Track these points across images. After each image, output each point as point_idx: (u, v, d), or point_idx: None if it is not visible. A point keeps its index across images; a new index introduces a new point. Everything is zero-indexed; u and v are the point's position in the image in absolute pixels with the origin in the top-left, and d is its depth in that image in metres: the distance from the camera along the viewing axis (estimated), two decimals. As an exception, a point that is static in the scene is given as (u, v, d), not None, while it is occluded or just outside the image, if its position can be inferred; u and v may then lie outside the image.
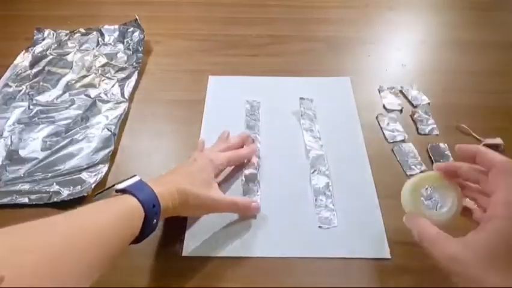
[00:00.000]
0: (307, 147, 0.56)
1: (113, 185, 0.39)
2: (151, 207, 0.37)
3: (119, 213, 0.35)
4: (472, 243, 0.31)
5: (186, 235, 0.46)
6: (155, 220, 0.38)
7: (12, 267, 0.26)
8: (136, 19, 0.74)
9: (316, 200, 0.50)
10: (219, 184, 0.50)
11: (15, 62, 0.69)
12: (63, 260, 0.29)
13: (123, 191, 0.38)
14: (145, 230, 0.37)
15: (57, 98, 0.63)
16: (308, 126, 0.59)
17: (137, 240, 0.37)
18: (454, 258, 0.30)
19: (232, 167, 0.53)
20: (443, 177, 0.39)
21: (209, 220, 0.47)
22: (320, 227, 0.48)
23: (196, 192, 0.43)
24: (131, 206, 0.36)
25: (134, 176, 0.40)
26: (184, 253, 0.45)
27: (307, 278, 0.43)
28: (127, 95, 0.63)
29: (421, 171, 0.53)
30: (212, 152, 0.51)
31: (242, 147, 0.55)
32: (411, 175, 0.53)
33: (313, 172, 0.53)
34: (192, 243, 0.45)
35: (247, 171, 0.52)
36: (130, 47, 0.72)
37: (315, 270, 0.44)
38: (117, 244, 0.34)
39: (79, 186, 0.50)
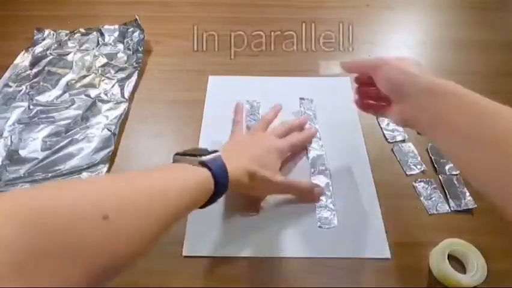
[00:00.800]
0: (308, 148, 0.56)
1: (199, 154, 0.40)
2: (222, 186, 0.39)
3: (195, 185, 0.37)
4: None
5: (186, 235, 0.46)
6: (219, 197, 0.40)
7: (117, 207, 0.28)
8: (136, 19, 0.74)
9: (316, 200, 0.50)
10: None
11: (15, 62, 0.69)
12: (142, 220, 0.30)
13: (204, 164, 0.39)
14: (206, 204, 0.39)
15: (57, 98, 0.63)
16: (309, 124, 0.59)
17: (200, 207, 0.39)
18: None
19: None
20: (469, 244, 0.44)
21: (209, 220, 0.48)
22: (320, 227, 0.48)
23: (265, 175, 0.45)
24: (206, 183, 0.38)
25: (216, 151, 0.42)
26: (185, 253, 0.45)
27: (307, 278, 0.43)
28: (127, 95, 0.63)
29: (421, 171, 0.53)
30: (277, 137, 0.52)
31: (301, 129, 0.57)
32: (411, 175, 0.53)
33: (313, 172, 0.53)
34: (192, 243, 0.45)
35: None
36: (130, 47, 0.72)
37: (315, 270, 0.44)
38: (180, 212, 0.35)
39: (79, 186, 0.50)
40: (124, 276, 0.41)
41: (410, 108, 0.41)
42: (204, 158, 0.39)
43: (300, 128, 0.57)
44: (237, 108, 0.59)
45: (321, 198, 0.50)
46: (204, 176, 0.38)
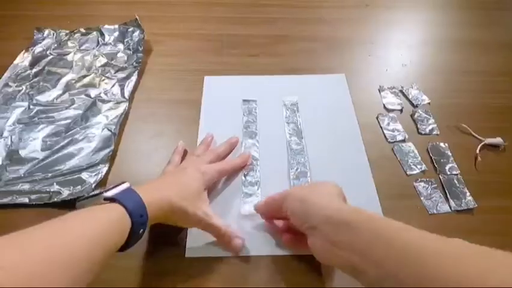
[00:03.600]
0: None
1: (100, 192, 0.37)
2: (138, 217, 0.36)
3: (106, 223, 0.34)
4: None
5: (188, 237, 0.46)
6: (142, 230, 0.37)
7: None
8: (136, 19, 0.74)
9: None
10: (216, 186, 0.50)
11: (15, 62, 0.69)
12: (41, 278, 0.27)
13: (111, 199, 0.36)
14: (131, 240, 0.36)
15: (57, 98, 0.63)
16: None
17: (122, 249, 0.36)
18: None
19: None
20: None
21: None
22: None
23: (184, 205, 0.41)
24: (118, 216, 0.35)
25: (124, 182, 0.39)
26: (187, 254, 0.45)
27: (308, 277, 0.43)
28: (127, 95, 0.63)
29: (422, 171, 0.53)
30: (202, 162, 0.49)
31: (230, 152, 0.54)
32: (412, 175, 0.53)
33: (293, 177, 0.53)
34: (194, 245, 0.45)
35: (247, 177, 0.52)
36: (130, 46, 0.72)
37: (316, 269, 0.44)
38: (102, 256, 0.32)
39: (79, 186, 0.50)
40: (125, 277, 0.42)
41: (318, 242, 0.37)
42: (107, 193, 0.36)
43: (229, 151, 0.54)
44: (176, 149, 0.54)
45: (240, 251, 0.45)
46: (114, 210, 0.35)
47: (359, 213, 0.36)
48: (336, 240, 0.35)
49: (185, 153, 0.54)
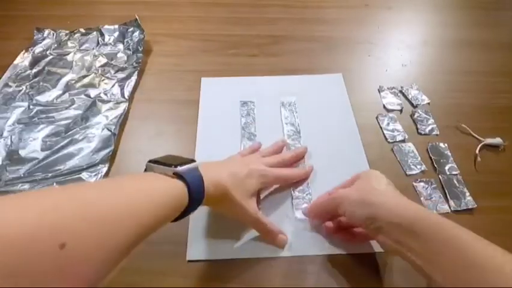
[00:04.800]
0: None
1: (174, 164, 0.37)
2: (196, 199, 0.37)
3: (168, 199, 0.35)
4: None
5: (189, 240, 0.46)
6: (193, 210, 0.38)
7: (73, 233, 0.26)
8: (136, 19, 0.74)
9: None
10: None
11: (15, 62, 0.69)
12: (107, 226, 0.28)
13: (178, 175, 0.37)
14: (181, 216, 0.37)
15: (57, 98, 0.63)
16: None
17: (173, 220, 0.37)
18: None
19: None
20: None
21: (211, 223, 0.48)
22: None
23: (235, 197, 0.42)
24: (180, 195, 0.36)
25: (193, 160, 0.40)
26: (188, 257, 0.45)
27: (309, 276, 0.43)
28: (127, 95, 0.63)
29: (421, 171, 0.53)
30: (265, 164, 0.49)
31: (296, 162, 0.54)
32: (411, 175, 0.53)
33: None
34: (195, 247, 0.45)
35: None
36: (130, 47, 0.72)
37: (316, 269, 0.44)
38: (151, 227, 0.33)
39: (79, 186, 0.50)
40: (128, 277, 0.42)
41: (387, 241, 0.38)
42: (179, 168, 0.37)
43: (295, 160, 0.54)
44: (253, 145, 0.55)
45: (284, 246, 0.46)
46: (178, 188, 0.36)
47: (425, 217, 0.36)
48: (403, 242, 0.36)
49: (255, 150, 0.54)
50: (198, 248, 0.45)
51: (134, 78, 0.65)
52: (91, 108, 0.61)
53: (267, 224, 0.45)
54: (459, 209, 0.49)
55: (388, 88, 0.66)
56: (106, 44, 0.73)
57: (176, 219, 0.37)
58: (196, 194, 0.37)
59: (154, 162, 0.38)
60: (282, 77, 0.67)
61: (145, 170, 0.39)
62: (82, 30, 0.75)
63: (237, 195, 0.42)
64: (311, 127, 0.59)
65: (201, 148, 0.56)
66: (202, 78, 0.66)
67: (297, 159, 0.54)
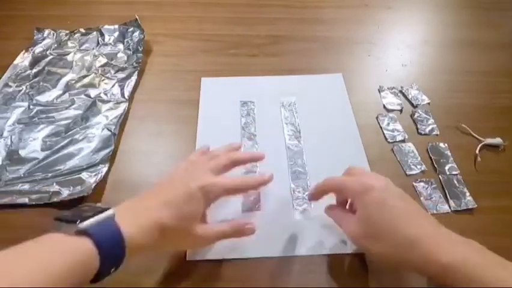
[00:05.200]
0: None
1: (76, 220, 0.31)
2: (112, 255, 0.31)
3: (71, 261, 0.29)
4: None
5: None
6: (113, 269, 0.32)
7: None
8: (136, 19, 0.74)
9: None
10: None
11: (15, 62, 0.69)
12: None
13: (84, 232, 0.31)
14: (99, 277, 0.31)
15: (57, 98, 0.63)
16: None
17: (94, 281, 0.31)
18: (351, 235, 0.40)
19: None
20: None
21: (210, 223, 0.47)
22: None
23: (177, 229, 0.36)
24: (85, 256, 0.30)
25: (107, 209, 0.33)
26: (188, 257, 0.45)
27: (309, 276, 0.43)
28: (127, 95, 0.63)
29: (421, 171, 0.53)
30: (212, 170, 0.42)
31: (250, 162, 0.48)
32: (411, 175, 0.53)
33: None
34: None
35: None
36: (130, 47, 0.72)
37: (316, 269, 0.44)
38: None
39: (79, 186, 0.50)
40: (131, 277, 0.42)
41: (388, 252, 0.36)
42: (83, 224, 0.31)
43: (249, 161, 0.48)
44: (201, 148, 0.47)
45: (253, 232, 0.42)
46: (82, 250, 0.30)
47: (464, 265, 0.32)
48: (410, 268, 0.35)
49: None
50: (197, 249, 0.45)
51: (134, 78, 0.65)
52: (91, 108, 0.61)
53: (227, 229, 0.41)
54: (459, 209, 0.49)
55: (388, 88, 0.66)
56: (106, 44, 0.73)
57: (96, 280, 0.31)
58: (110, 250, 0.31)
59: (60, 219, 0.32)
60: (283, 77, 0.67)
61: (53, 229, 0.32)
62: (82, 30, 0.75)
63: (181, 228, 0.37)
64: (311, 127, 0.59)
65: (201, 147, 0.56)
66: (202, 78, 0.66)
67: (253, 159, 0.49)
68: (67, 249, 0.30)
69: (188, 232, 0.38)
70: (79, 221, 0.31)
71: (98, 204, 0.35)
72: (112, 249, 0.31)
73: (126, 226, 0.32)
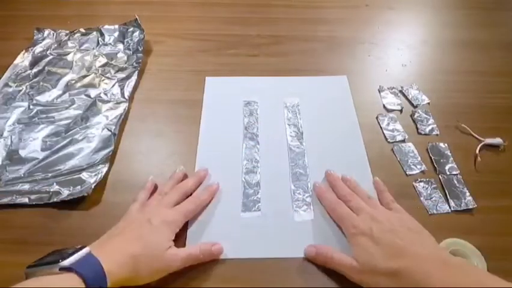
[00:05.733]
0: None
1: (56, 261, 0.33)
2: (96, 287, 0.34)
3: None
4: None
5: (188, 240, 0.46)
6: None
7: None
8: (136, 19, 0.74)
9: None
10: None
11: (15, 62, 0.69)
12: None
13: (68, 269, 0.33)
14: None
15: (57, 98, 0.63)
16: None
17: None
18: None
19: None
20: (469, 244, 0.45)
21: (210, 223, 0.48)
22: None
23: (149, 256, 0.39)
24: None
25: (83, 247, 0.36)
26: None
27: (309, 276, 0.43)
28: (127, 95, 0.63)
29: (421, 171, 0.53)
30: (167, 205, 0.45)
31: (198, 187, 0.50)
32: (411, 175, 0.53)
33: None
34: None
35: (247, 178, 0.52)
36: (130, 47, 0.72)
37: (315, 269, 0.44)
38: None
39: (79, 186, 0.50)
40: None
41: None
42: (67, 261, 0.33)
43: (198, 185, 0.50)
44: (145, 186, 0.50)
45: (221, 253, 0.44)
46: (71, 284, 0.32)
47: None
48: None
49: (155, 188, 0.50)
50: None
51: (134, 78, 0.65)
52: (91, 108, 0.61)
53: (195, 252, 0.43)
54: (459, 209, 0.49)
55: (388, 88, 0.66)
56: (106, 44, 0.73)
57: None
58: (95, 283, 0.33)
59: (34, 266, 0.34)
60: (287, 77, 0.67)
61: (26, 278, 0.34)
62: (82, 30, 0.75)
63: (152, 259, 0.39)
64: (314, 129, 0.59)
65: (203, 147, 0.56)
66: (206, 78, 0.66)
67: (199, 183, 0.51)
68: (58, 284, 0.32)
69: (159, 259, 0.40)
70: (60, 260, 0.33)
71: (66, 247, 0.37)
72: (96, 282, 0.34)
73: (103, 263, 0.35)
